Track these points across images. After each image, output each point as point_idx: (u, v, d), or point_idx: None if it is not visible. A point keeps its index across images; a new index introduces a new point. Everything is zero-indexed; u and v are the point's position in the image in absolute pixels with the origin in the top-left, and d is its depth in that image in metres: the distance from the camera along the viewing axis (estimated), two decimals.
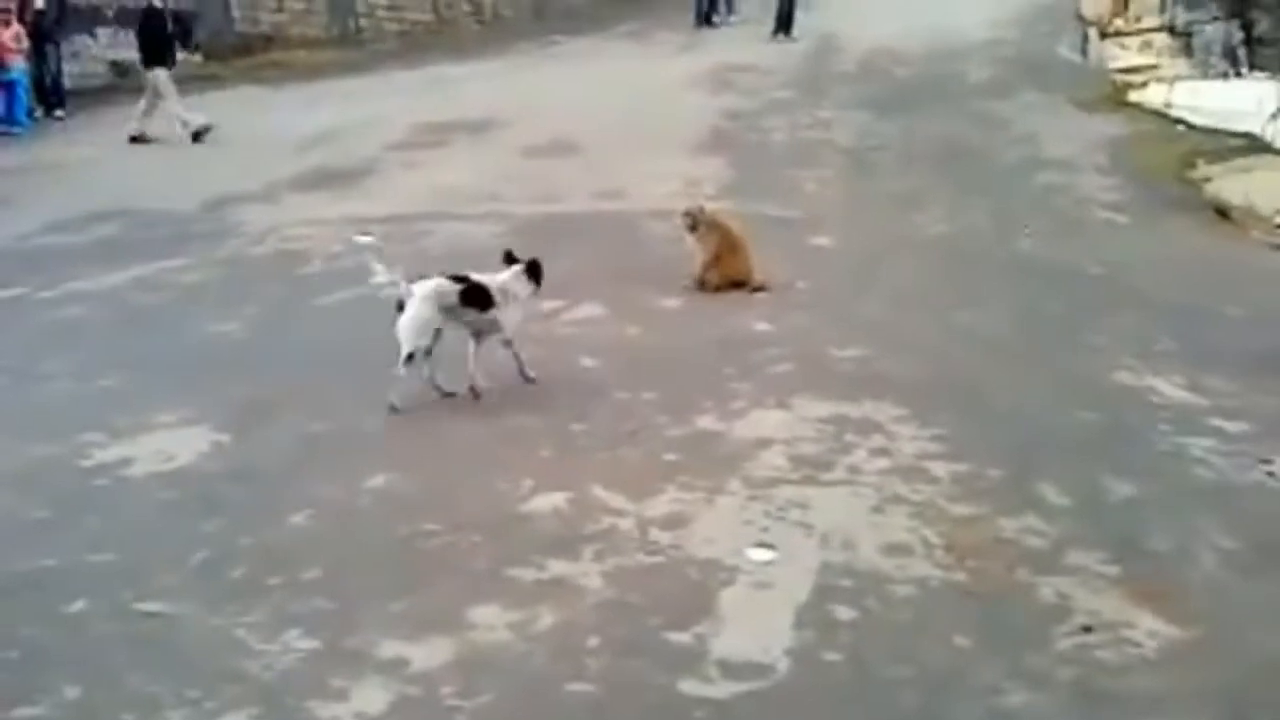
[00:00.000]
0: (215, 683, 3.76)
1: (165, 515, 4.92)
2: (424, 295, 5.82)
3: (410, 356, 5.84)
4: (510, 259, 6.15)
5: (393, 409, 5.86)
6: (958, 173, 11.60)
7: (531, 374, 6.18)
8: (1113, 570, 4.47)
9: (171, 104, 14.01)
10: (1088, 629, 4.09)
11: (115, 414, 5.89)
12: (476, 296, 5.91)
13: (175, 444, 5.57)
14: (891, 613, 4.16)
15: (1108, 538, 4.70)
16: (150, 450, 5.50)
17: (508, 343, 6.09)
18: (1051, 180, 11.41)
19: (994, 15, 21.02)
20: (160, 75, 14.02)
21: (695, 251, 8.03)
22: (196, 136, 13.63)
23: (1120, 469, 5.31)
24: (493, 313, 5.95)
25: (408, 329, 5.81)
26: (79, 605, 4.19)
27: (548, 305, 7.35)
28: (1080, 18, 20.04)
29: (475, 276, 5.99)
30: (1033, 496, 5.02)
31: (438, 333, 5.91)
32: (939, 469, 5.26)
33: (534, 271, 6.11)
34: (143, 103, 13.96)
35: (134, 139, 13.72)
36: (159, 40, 14.28)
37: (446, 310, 5.87)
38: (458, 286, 5.90)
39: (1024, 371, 6.59)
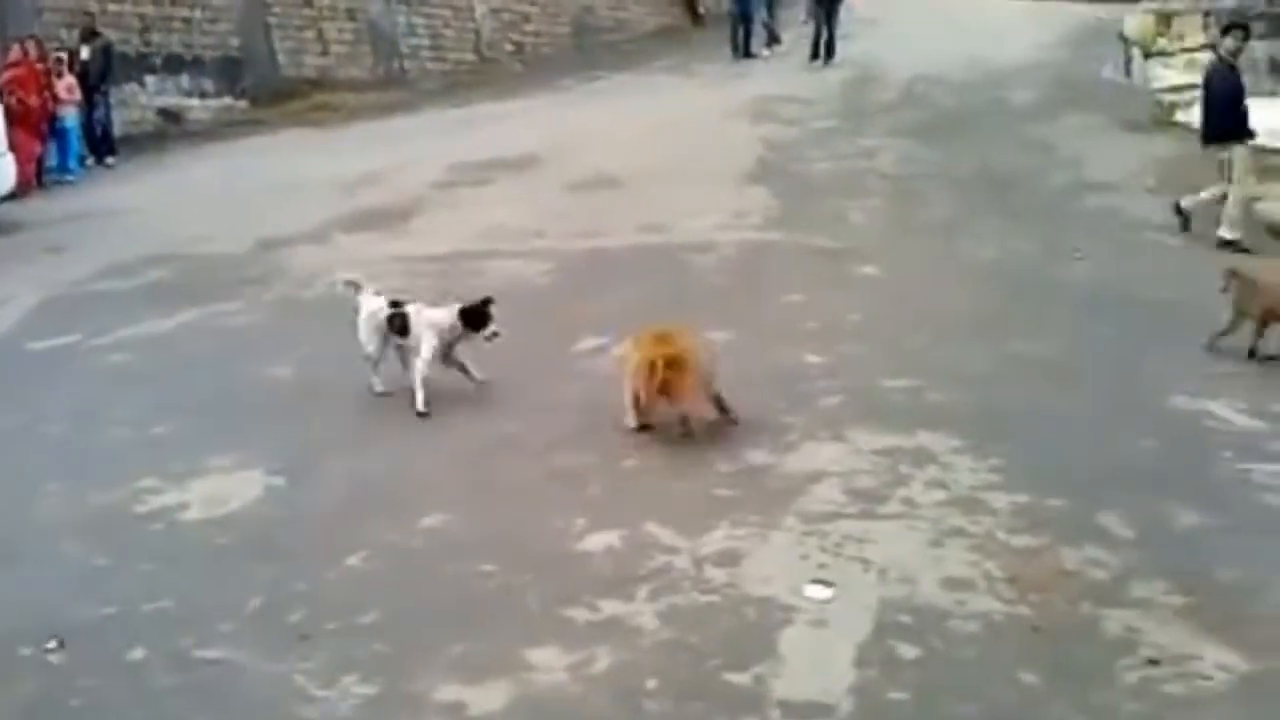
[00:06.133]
0: None
1: (220, 560, 4.95)
2: (364, 314, 6.72)
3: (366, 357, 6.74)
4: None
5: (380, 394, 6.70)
6: (1005, 198, 11.50)
7: (423, 408, 6.47)
8: (1179, 601, 4.38)
9: (1235, 193, 10.07)
10: (1154, 662, 4.01)
11: (169, 460, 5.94)
12: (398, 322, 6.62)
13: (229, 488, 5.61)
14: (955, 649, 4.09)
15: (1172, 568, 4.61)
16: (204, 495, 5.55)
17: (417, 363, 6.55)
18: (1100, 204, 11.28)
19: (1036, 39, 20.92)
20: (1239, 154, 10.14)
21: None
22: (1227, 244, 9.83)
23: (1183, 497, 5.21)
24: (409, 339, 6.58)
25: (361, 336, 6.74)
26: (139, 653, 4.21)
27: (593, 342, 7.36)
28: (1123, 38, 19.86)
29: (409, 306, 6.65)
30: (1095, 527, 4.94)
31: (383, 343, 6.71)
32: (998, 500, 5.18)
33: (468, 317, 6.48)
34: (1213, 190, 10.25)
35: (1225, 243, 9.82)
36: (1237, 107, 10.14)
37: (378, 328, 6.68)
38: (387, 310, 6.67)
39: (1080, 399, 6.49)
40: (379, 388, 6.74)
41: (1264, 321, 7.17)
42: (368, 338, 6.69)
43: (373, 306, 6.70)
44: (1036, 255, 9.64)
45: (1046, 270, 9.20)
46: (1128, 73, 18.35)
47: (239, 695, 3.97)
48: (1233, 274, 7.39)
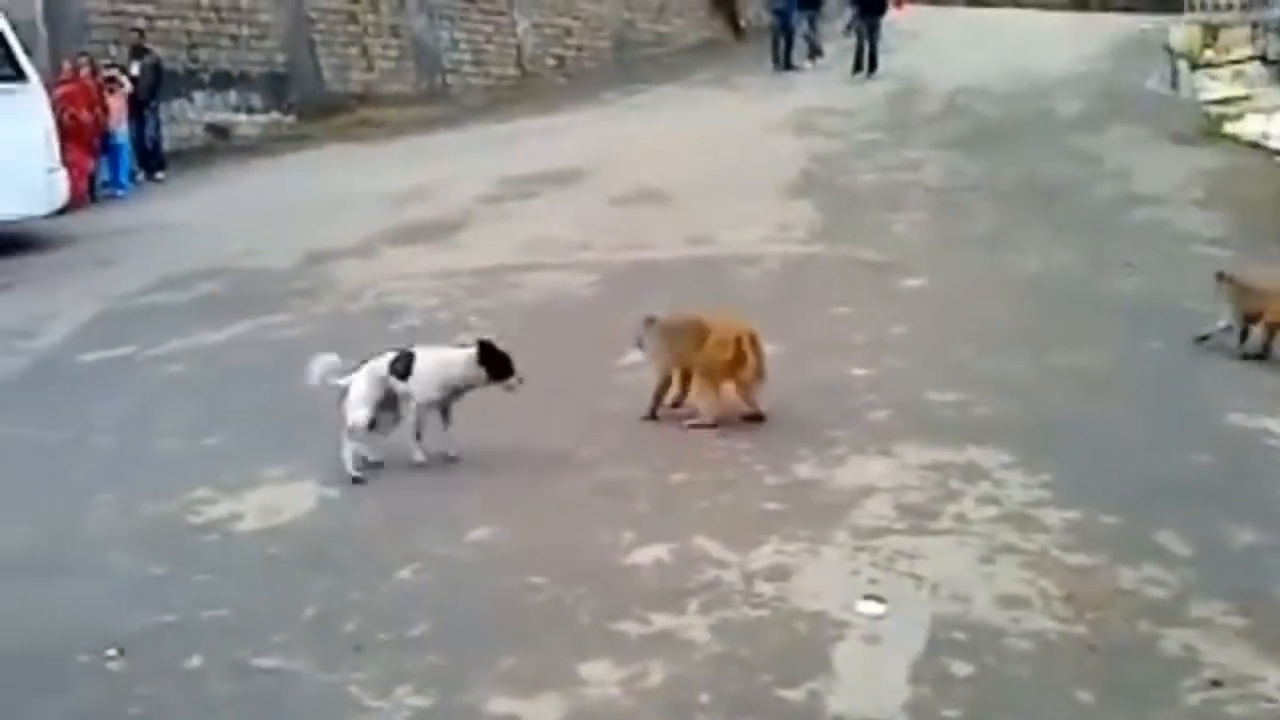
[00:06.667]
0: None
1: (274, 571, 4.98)
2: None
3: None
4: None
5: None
6: (1051, 210, 11.44)
7: (420, 458, 5.96)
8: (1239, 621, 4.30)
9: None
10: (1216, 683, 3.93)
11: (223, 471, 5.99)
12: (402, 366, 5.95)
13: (282, 499, 5.65)
14: (1010, 667, 4.05)
15: (1232, 587, 4.53)
16: (257, 506, 5.58)
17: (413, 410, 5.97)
18: (1148, 216, 11.20)
19: (1079, 50, 20.83)
20: None
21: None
22: None
23: (1240, 515, 5.14)
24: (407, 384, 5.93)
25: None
26: (196, 661, 4.24)
27: (638, 355, 7.34)
28: (1169, 50, 19.72)
29: (418, 349, 6.02)
30: (1151, 544, 4.87)
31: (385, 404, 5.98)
32: (1050, 516, 5.13)
33: (485, 358, 5.83)
34: None
35: None
36: None
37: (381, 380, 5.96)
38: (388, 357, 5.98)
39: (1131, 414, 6.43)
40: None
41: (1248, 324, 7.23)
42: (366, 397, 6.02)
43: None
44: (1084, 268, 9.57)
45: (1094, 283, 9.14)
46: (1174, 85, 18.24)
47: (295, 705, 3.99)
48: (1220, 276, 7.38)
